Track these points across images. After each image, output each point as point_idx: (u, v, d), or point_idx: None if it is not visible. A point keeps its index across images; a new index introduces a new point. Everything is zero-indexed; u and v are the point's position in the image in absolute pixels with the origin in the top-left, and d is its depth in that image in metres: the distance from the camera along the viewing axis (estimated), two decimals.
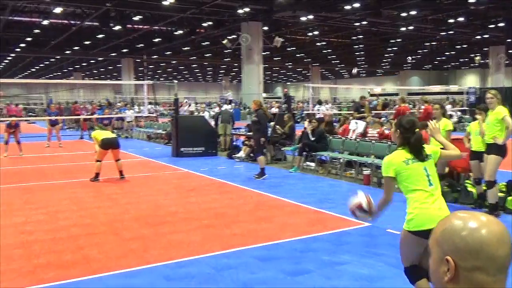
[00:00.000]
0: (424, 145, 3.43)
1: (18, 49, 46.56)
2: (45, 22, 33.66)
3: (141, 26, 36.92)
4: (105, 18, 31.96)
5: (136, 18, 32.88)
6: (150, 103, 26.19)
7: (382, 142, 9.65)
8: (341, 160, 10.07)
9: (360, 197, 3.44)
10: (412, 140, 3.36)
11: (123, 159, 9.92)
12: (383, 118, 17.56)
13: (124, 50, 48.02)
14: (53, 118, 16.55)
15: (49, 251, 5.12)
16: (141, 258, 4.89)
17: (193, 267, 4.63)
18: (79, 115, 23.23)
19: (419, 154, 3.35)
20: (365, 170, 9.20)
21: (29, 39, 41.65)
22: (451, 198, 7.29)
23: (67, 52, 47.86)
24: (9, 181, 9.44)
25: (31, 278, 4.33)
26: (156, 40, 41.99)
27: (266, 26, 27.70)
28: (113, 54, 49.66)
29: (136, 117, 22.43)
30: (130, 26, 36.10)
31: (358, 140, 10.39)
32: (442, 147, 3.75)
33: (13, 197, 7.98)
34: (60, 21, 35.43)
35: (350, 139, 10.67)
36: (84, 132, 19.88)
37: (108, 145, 9.28)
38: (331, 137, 11.01)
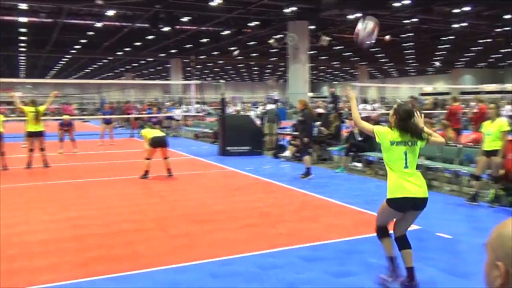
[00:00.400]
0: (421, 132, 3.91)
1: (73, 51, 48.65)
2: (99, 25, 34.95)
3: (189, 27, 37.58)
4: (155, 19, 32.77)
5: (185, 19, 33.52)
6: (197, 103, 26.63)
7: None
8: None
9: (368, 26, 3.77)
10: (404, 126, 3.89)
11: (171, 157, 10.15)
12: (434, 118, 16.99)
13: (173, 51, 49.05)
14: (107, 117, 17.26)
15: (100, 245, 5.31)
16: (187, 254, 4.98)
17: (238, 265, 4.67)
18: (130, 114, 23.94)
19: (405, 139, 3.91)
20: None
21: (83, 41, 43.41)
22: (506, 202, 6.96)
23: (119, 53, 49.50)
24: (64, 177, 9.88)
25: (84, 271, 4.50)
26: (204, 40, 42.59)
27: (312, 25, 27.46)
28: (162, 54, 50.85)
29: (184, 116, 22.86)
30: (179, 27, 36.82)
31: None
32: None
33: (67, 192, 8.34)
34: (112, 23, 36.69)
35: None
36: (134, 130, 20.48)
37: (157, 143, 9.51)
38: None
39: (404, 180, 3.85)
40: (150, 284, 4.21)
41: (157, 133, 9.87)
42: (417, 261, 4.25)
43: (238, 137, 13.46)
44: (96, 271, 4.50)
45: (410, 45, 41.35)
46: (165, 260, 4.80)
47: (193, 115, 22.37)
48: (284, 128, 15.86)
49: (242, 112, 22.48)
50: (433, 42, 38.11)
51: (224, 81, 16.08)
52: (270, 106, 16.57)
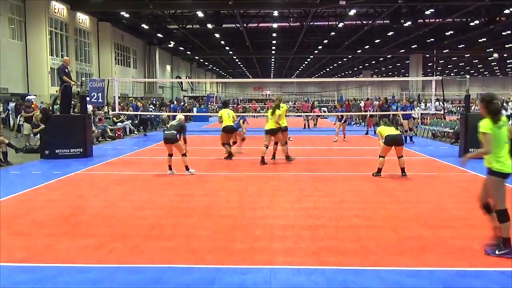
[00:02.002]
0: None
1: (316, 51, 51.71)
2: (340, 25, 36.24)
3: (432, 20, 35.62)
4: (396, 15, 32.15)
5: (428, 12, 31.86)
6: (437, 100, 25.03)
7: None
8: None
9: None
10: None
11: (405, 156, 9.82)
12: None
13: (413, 46, 47.24)
14: (339, 114, 17.98)
15: (332, 236, 5.55)
16: (418, 258, 4.78)
17: (475, 279, 4.25)
18: (366, 111, 24.15)
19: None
20: None
21: (325, 41, 45.68)
22: None
23: (358, 51, 50.33)
24: (302, 169, 10.65)
25: (315, 259, 4.79)
26: (448, 33, 39.70)
27: None
28: (402, 50, 49.52)
29: (421, 114, 21.84)
30: (421, 20, 35.28)
31: None
32: None
33: (305, 183, 8.96)
34: (353, 22, 37.59)
35: None
36: (370, 128, 20.58)
37: (392, 141, 9.35)
38: None
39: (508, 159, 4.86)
40: (377, 283, 4.20)
41: (393, 131, 9.68)
42: None
43: None
44: (326, 261, 4.73)
45: None
46: (394, 261, 4.72)
47: (432, 113, 21.15)
48: None
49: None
50: None
51: (469, 76, 14.69)
52: None
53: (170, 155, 9.87)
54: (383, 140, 9.49)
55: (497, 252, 4.78)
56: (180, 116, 10.41)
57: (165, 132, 10.02)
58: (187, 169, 9.83)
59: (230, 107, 12.82)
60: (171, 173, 9.88)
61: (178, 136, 9.73)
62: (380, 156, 9.52)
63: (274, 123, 11.32)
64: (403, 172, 9.46)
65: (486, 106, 4.91)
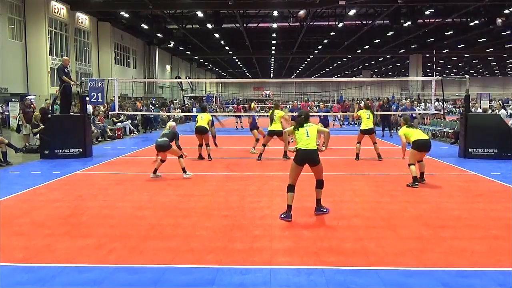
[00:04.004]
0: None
1: (315, 51, 51.71)
2: (340, 25, 36.25)
3: (432, 20, 35.65)
4: (396, 15, 32.17)
5: (428, 12, 31.88)
6: (437, 100, 25.03)
7: None
8: None
9: None
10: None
11: (405, 156, 9.77)
12: None
13: (413, 46, 47.28)
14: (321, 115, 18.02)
15: (331, 236, 5.55)
16: (418, 259, 4.78)
17: (475, 279, 4.25)
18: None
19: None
20: None
21: (325, 41, 45.69)
22: None
23: (358, 51, 50.35)
24: (303, 170, 10.63)
25: (315, 259, 4.79)
26: (448, 33, 39.74)
27: None
28: (402, 50, 49.54)
29: (420, 114, 21.84)
30: (421, 20, 35.29)
31: None
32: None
33: (304, 183, 8.92)
34: (353, 22, 37.61)
35: None
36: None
37: (423, 147, 8.74)
38: None
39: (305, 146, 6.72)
40: (377, 283, 4.20)
41: (420, 135, 8.97)
42: None
43: (483, 138, 12.17)
44: (326, 261, 4.73)
45: None
46: (394, 261, 4.72)
47: (432, 113, 21.14)
48: None
49: (489, 111, 20.12)
50: None
51: (469, 76, 14.68)
52: None
53: (162, 161, 9.60)
54: (411, 146, 8.83)
55: None
56: (171, 123, 10.14)
57: (157, 140, 9.60)
58: (184, 171, 9.56)
59: (207, 112, 13.25)
60: (155, 177, 9.50)
61: (170, 143, 9.48)
62: (410, 165, 8.66)
63: (279, 124, 12.05)
64: (422, 177, 8.90)
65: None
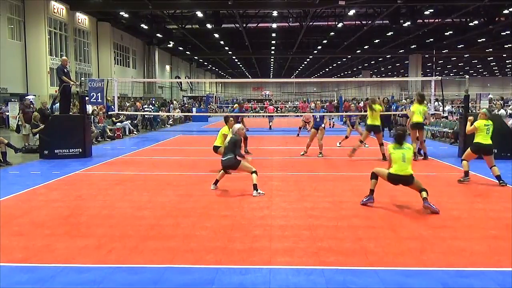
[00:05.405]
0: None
1: (315, 51, 51.69)
2: (339, 25, 36.25)
3: (432, 20, 35.67)
4: (396, 15, 32.18)
5: (427, 12, 31.89)
6: (436, 100, 25.02)
7: None
8: None
9: None
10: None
11: None
12: None
13: (412, 46, 47.29)
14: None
15: (331, 237, 5.55)
16: (417, 259, 4.78)
17: (475, 279, 4.25)
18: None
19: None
20: None
21: (324, 41, 45.68)
22: None
23: (357, 51, 50.33)
24: (301, 169, 10.65)
25: (315, 259, 4.79)
26: (447, 33, 39.75)
27: None
28: (401, 51, 49.56)
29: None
30: (421, 21, 35.31)
31: None
32: None
33: (304, 183, 8.96)
34: (352, 22, 37.62)
35: None
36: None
37: (481, 150, 8.86)
38: None
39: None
40: (376, 283, 4.20)
41: (485, 138, 8.92)
42: None
43: None
44: (326, 261, 4.73)
45: None
46: (393, 261, 4.72)
47: (432, 114, 21.12)
48: None
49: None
50: None
51: (468, 76, 14.67)
52: None
53: (228, 172, 8.49)
54: (472, 148, 8.97)
55: None
56: (236, 126, 8.61)
57: (222, 159, 8.23)
58: (255, 188, 7.90)
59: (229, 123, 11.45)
60: (215, 188, 8.40)
61: (237, 158, 8.12)
62: (463, 160, 9.18)
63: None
64: (500, 179, 8.67)
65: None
